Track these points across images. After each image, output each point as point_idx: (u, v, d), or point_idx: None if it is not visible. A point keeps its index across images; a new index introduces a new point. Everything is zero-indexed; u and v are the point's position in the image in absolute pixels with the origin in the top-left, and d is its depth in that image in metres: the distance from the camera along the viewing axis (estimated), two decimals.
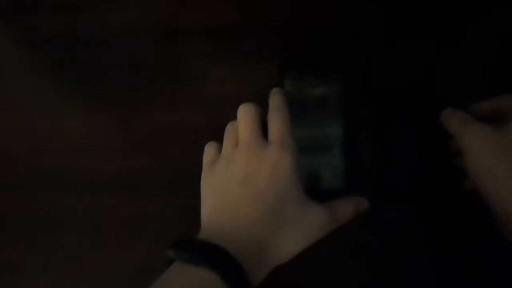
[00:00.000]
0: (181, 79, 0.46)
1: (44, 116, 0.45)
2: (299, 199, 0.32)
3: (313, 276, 0.40)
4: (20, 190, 0.42)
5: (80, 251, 0.40)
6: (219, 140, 0.36)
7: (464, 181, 0.38)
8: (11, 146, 0.44)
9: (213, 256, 0.28)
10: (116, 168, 0.43)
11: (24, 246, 0.43)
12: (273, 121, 0.35)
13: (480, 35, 0.48)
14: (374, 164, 0.42)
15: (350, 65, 0.44)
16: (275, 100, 0.37)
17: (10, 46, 0.48)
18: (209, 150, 0.36)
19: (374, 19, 0.48)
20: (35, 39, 0.48)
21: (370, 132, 0.43)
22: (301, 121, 0.42)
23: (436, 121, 0.40)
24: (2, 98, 0.46)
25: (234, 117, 0.35)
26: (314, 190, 0.38)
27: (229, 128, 0.36)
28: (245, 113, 0.35)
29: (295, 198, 0.32)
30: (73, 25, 0.48)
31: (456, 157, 0.39)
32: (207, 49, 0.47)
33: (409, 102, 0.43)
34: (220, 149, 0.36)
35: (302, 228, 0.32)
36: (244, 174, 0.32)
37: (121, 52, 0.47)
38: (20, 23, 0.49)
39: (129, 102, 0.45)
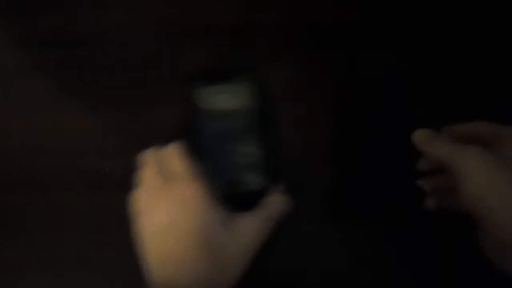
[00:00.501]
0: (181, 79, 0.45)
1: (44, 116, 0.45)
2: (224, 221, 0.33)
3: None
4: (20, 190, 0.42)
5: (80, 251, 0.40)
6: None
7: (426, 201, 0.39)
8: (11, 146, 0.44)
9: None
10: (116, 168, 0.43)
11: (24, 246, 0.43)
12: (171, 158, 0.36)
13: (477, 38, 0.48)
14: (332, 178, 0.42)
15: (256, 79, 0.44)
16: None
17: (10, 46, 0.48)
18: (131, 201, 0.36)
19: (371, 20, 0.48)
20: (35, 39, 0.48)
21: (331, 144, 0.43)
22: (218, 133, 0.42)
23: (401, 137, 0.40)
24: (2, 98, 0.46)
25: None
26: (235, 194, 0.39)
27: (137, 176, 0.37)
28: (146, 161, 0.37)
29: (220, 222, 0.32)
30: (73, 25, 0.48)
31: (422, 176, 0.39)
32: (207, 49, 0.47)
33: (377, 116, 0.43)
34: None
35: (240, 244, 0.33)
36: (163, 222, 0.32)
37: (121, 52, 0.47)
38: (20, 23, 0.49)
39: (129, 102, 0.45)
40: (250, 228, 0.34)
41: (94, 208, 0.42)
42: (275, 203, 0.36)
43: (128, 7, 0.49)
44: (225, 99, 0.43)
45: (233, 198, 0.39)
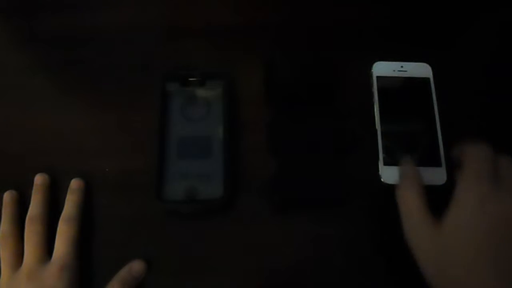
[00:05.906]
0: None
1: (44, 116, 0.45)
2: None
3: None
4: (20, 190, 0.42)
5: (80, 250, 0.40)
6: None
7: None
8: (11, 146, 0.44)
9: None
10: (115, 168, 0.43)
11: None
12: (60, 236, 0.39)
13: (480, 35, 0.48)
14: (270, 171, 0.41)
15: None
16: (68, 209, 0.40)
17: (10, 46, 0.48)
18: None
19: (373, 20, 0.49)
20: (35, 39, 0.48)
21: (268, 141, 0.43)
22: (186, 126, 0.43)
23: (331, 133, 0.41)
24: (2, 98, 0.46)
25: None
26: (192, 202, 0.40)
27: (3, 245, 0.39)
28: (31, 235, 0.38)
29: None
30: (73, 25, 0.48)
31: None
32: (207, 49, 0.47)
33: (307, 112, 0.43)
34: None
35: None
36: None
37: (121, 52, 0.47)
38: (20, 23, 0.49)
39: (129, 102, 0.45)
40: None
41: (94, 208, 0.42)
42: (131, 268, 0.39)
43: (128, 7, 0.49)
44: (195, 103, 0.44)
45: (190, 205, 0.40)
